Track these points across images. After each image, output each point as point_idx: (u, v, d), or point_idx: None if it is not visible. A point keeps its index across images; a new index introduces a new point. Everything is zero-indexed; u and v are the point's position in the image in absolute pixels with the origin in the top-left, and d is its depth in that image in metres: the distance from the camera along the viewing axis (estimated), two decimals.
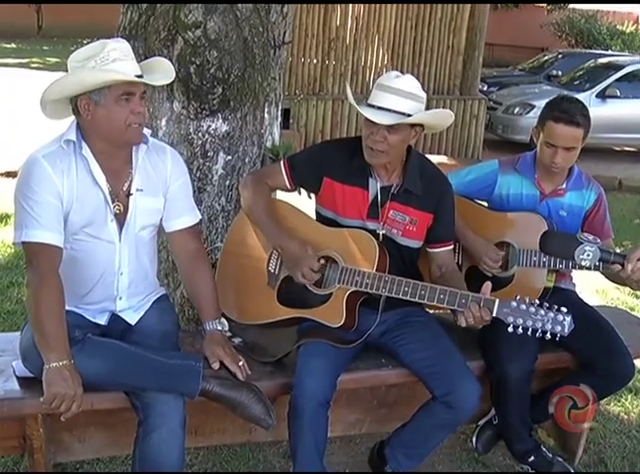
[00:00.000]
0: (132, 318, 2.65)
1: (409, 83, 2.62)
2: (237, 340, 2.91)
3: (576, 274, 3.23)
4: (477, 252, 3.02)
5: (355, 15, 9.79)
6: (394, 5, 9.82)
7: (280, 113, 3.69)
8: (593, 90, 11.51)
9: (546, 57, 15.60)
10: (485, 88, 12.86)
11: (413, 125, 2.66)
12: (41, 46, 21.29)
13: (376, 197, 2.77)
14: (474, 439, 3.20)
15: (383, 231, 2.79)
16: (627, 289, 4.98)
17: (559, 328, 2.47)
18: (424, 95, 2.65)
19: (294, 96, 9.74)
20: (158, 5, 3.17)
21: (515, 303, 2.50)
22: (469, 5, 10.12)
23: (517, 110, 11.43)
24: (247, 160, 3.43)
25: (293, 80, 9.77)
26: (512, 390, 2.89)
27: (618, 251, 2.79)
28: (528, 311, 2.49)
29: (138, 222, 2.57)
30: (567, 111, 2.92)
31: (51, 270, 2.38)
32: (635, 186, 9.34)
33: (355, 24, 9.84)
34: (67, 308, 2.55)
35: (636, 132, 11.06)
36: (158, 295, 2.75)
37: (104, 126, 2.42)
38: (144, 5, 3.22)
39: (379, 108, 2.60)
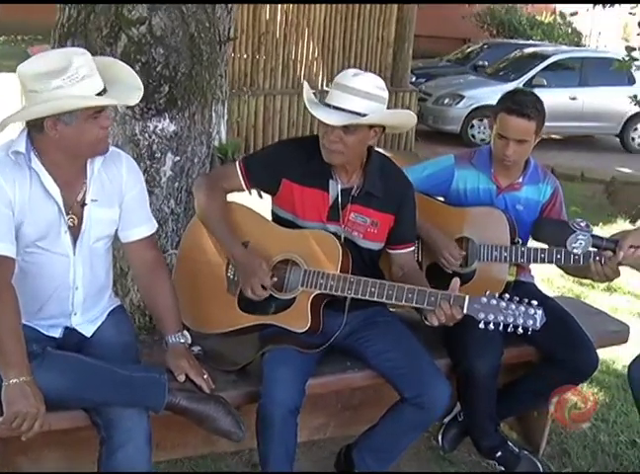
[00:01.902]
0: (88, 330, 2.52)
1: (367, 82, 2.52)
2: (196, 348, 2.79)
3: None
4: (437, 248, 2.98)
5: (284, 9, 9.68)
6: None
7: (226, 110, 3.59)
8: (520, 80, 11.71)
9: (471, 48, 15.78)
10: (414, 79, 12.94)
11: (372, 126, 2.58)
12: None
13: (337, 199, 2.69)
14: (440, 438, 3.16)
15: (344, 234, 2.71)
16: (572, 278, 5.02)
17: (531, 322, 2.44)
18: (384, 94, 2.56)
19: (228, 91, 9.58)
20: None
21: (485, 299, 2.46)
22: None
23: (446, 100, 11.55)
24: (196, 160, 3.32)
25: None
26: (479, 386, 2.86)
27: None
28: (499, 306, 2.45)
29: (93, 234, 2.44)
30: (519, 103, 2.91)
31: (4, 283, 2.24)
32: (566, 173, 9.52)
33: (284, 17, 9.73)
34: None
35: (563, 121, 11.27)
36: (113, 306, 2.63)
37: (72, 143, 2.29)
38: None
39: (335, 107, 2.51)
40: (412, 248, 2.84)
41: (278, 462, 2.54)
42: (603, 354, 3.56)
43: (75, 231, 2.40)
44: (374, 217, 2.72)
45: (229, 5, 3.36)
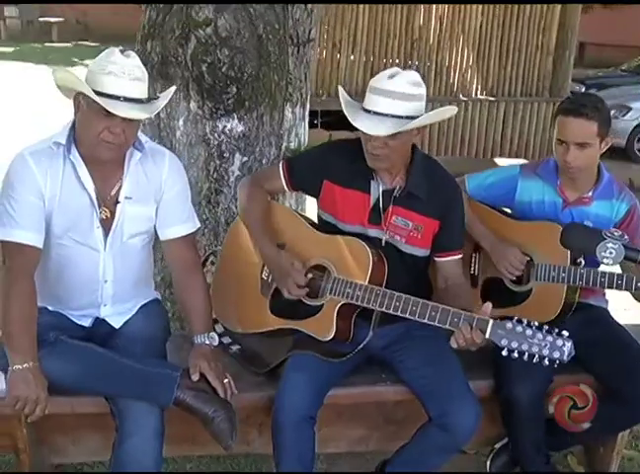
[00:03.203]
0: (117, 322, 2.59)
1: (404, 82, 2.41)
2: (235, 347, 2.82)
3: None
4: (498, 254, 2.81)
5: (439, 14, 9.54)
6: (480, 4, 9.52)
7: (306, 113, 3.58)
8: None
9: None
10: (582, 89, 12.30)
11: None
12: None
13: (378, 200, 2.60)
14: (488, 463, 2.98)
15: (386, 238, 2.62)
16: None
17: (557, 354, 2.25)
18: (422, 90, 2.45)
19: None
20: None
21: (510, 325, 2.29)
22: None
23: (612, 112, 10.81)
24: (264, 161, 3.34)
25: None
26: (521, 414, 2.67)
27: None
28: (525, 334, 2.27)
29: (126, 230, 2.49)
30: (576, 102, 2.70)
31: (25, 271, 2.34)
32: None
33: (438, 23, 9.59)
34: (52, 309, 2.54)
35: None
36: (147, 300, 2.68)
37: (82, 131, 2.36)
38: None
39: (375, 113, 2.42)
40: (457, 257, 2.69)
41: (290, 468, 2.49)
42: None
43: (107, 226, 2.46)
44: (418, 221, 2.61)
45: (309, 6, 3.35)
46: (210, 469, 3.08)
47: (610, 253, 2.39)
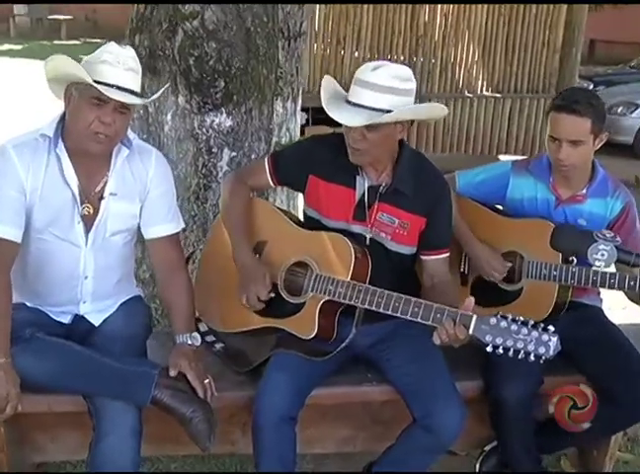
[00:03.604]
0: (96, 319, 2.55)
1: (387, 75, 2.34)
2: (219, 345, 2.77)
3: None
4: (479, 260, 2.76)
5: (444, 11, 9.44)
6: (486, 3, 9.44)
7: (298, 108, 3.52)
8: None
9: None
10: (590, 86, 12.20)
11: (398, 121, 2.40)
12: None
13: (363, 196, 2.55)
14: (477, 466, 2.92)
15: (371, 235, 2.56)
16: None
17: (543, 349, 2.18)
18: (408, 85, 2.36)
19: None
20: None
21: (494, 320, 2.23)
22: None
23: (620, 109, 10.78)
24: (253, 157, 3.29)
25: None
26: (509, 416, 2.61)
27: None
28: (510, 329, 2.20)
29: (109, 227, 2.46)
30: (569, 98, 2.61)
31: (2, 265, 2.30)
32: None
33: (444, 20, 9.49)
34: (30, 305, 2.51)
35: None
36: (128, 297, 2.64)
37: (71, 123, 2.33)
38: None
39: (354, 104, 2.37)
40: (444, 255, 2.62)
41: (270, 469, 2.44)
42: None
43: (89, 222, 2.43)
44: (404, 218, 2.54)
45: None
46: (195, 469, 3.04)
47: (602, 255, 2.34)
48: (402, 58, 9.53)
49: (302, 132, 8.52)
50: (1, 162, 2.32)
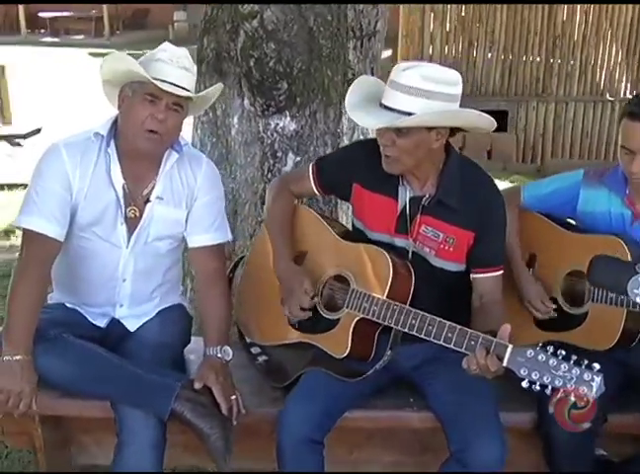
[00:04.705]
0: (132, 324, 2.52)
1: (414, 76, 2.13)
2: (262, 358, 2.66)
3: None
4: (523, 295, 2.54)
5: (584, 9, 8.94)
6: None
7: None
8: None
9: None
10: None
11: (432, 127, 2.20)
12: None
13: (405, 208, 2.36)
14: None
15: (413, 249, 2.37)
16: None
17: (584, 389, 1.92)
18: (444, 89, 2.14)
19: (513, 97, 9.15)
20: None
21: (532, 352, 1.98)
22: None
23: None
24: None
25: (513, 80, 9.17)
26: (561, 454, 2.34)
27: None
28: (548, 364, 1.95)
29: (153, 231, 2.43)
30: None
31: (38, 261, 2.31)
32: None
33: (583, 18, 8.99)
34: (69, 306, 2.51)
35: None
36: (169, 305, 2.59)
37: (124, 122, 2.33)
38: None
39: (384, 106, 2.18)
40: (496, 273, 2.38)
41: None
42: None
43: (133, 224, 2.41)
44: (449, 232, 2.34)
45: None
46: None
47: None
48: (538, 59, 9.14)
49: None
50: (51, 160, 2.34)
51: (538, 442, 2.45)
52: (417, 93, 2.12)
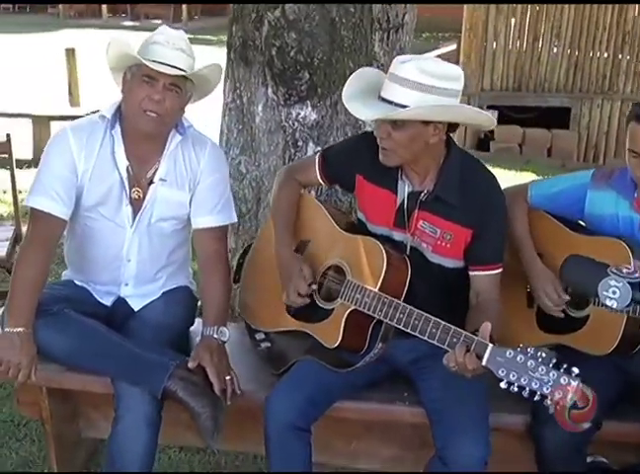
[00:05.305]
0: (137, 304, 2.59)
1: (411, 68, 2.11)
2: (265, 345, 2.69)
3: None
4: (535, 285, 2.47)
5: None
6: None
7: None
8: None
9: None
10: None
11: (428, 121, 2.18)
12: None
13: (403, 202, 2.36)
14: None
15: (411, 243, 2.37)
16: None
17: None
18: (441, 84, 2.11)
19: (578, 93, 8.94)
20: None
21: (511, 352, 1.96)
22: None
23: None
24: None
25: (578, 76, 8.97)
26: (552, 457, 2.31)
27: None
28: (526, 365, 1.93)
29: (156, 212, 2.49)
30: None
31: (43, 239, 2.39)
32: None
33: None
34: (78, 283, 2.60)
35: None
36: (175, 286, 2.64)
37: (125, 104, 2.40)
38: None
39: (382, 99, 2.18)
40: (493, 272, 2.35)
41: None
42: None
43: (138, 205, 2.47)
44: (446, 229, 2.32)
45: None
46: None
47: (614, 293, 1.98)
48: (605, 56, 8.90)
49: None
50: (59, 143, 2.42)
51: (531, 445, 2.42)
52: (412, 86, 2.10)
